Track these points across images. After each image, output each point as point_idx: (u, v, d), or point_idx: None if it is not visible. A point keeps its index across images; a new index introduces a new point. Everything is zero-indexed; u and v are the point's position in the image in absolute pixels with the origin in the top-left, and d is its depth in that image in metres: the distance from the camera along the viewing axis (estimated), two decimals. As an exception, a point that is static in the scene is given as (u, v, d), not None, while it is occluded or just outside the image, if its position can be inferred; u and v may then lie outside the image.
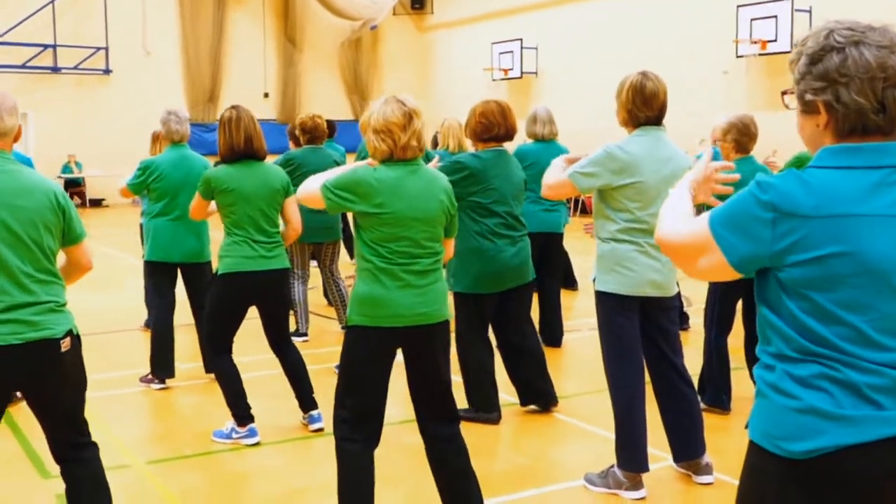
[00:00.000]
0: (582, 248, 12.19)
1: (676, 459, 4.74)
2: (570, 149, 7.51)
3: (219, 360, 5.33)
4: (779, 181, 1.95)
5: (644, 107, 4.34)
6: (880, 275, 1.89)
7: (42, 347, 3.33)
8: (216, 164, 5.42)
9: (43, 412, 3.51)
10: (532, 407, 5.96)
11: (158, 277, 6.56)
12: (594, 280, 4.49)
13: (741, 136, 5.75)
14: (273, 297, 5.37)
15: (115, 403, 6.29)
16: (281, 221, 5.43)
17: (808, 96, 1.97)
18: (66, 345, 3.40)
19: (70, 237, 3.51)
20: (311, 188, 3.83)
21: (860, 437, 1.87)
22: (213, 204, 5.38)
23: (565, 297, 8.46)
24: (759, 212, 1.94)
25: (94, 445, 3.65)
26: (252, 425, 5.34)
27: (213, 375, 6.56)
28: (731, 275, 2.05)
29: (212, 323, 5.37)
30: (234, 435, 5.34)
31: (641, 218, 4.32)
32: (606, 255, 4.41)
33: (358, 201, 3.67)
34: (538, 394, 5.90)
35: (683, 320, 8.18)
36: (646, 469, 4.50)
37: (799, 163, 6.31)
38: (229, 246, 5.20)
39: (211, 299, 5.34)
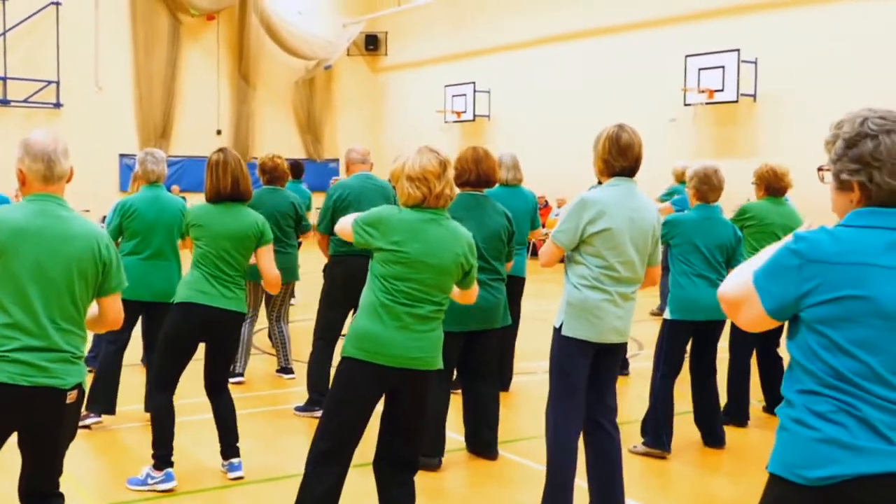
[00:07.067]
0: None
1: None
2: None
3: (160, 397, 5.21)
4: (810, 234, 2.25)
5: (619, 157, 4.47)
6: (892, 319, 2.15)
7: (48, 394, 3.32)
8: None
9: (33, 457, 3.47)
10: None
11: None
12: (560, 325, 4.49)
13: (701, 185, 5.86)
14: (223, 336, 5.29)
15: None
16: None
17: (844, 176, 2.27)
18: (71, 397, 3.39)
19: (105, 287, 3.53)
20: (346, 223, 4.04)
21: (869, 467, 2.11)
22: None
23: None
24: (790, 260, 2.24)
25: (62, 497, 3.60)
26: (169, 470, 5.18)
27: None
28: (769, 323, 2.32)
29: (162, 354, 5.27)
30: (149, 481, 5.17)
31: (614, 265, 4.39)
32: (577, 303, 4.44)
33: (378, 237, 3.84)
34: (482, 445, 5.86)
35: (624, 365, 8.12)
36: None
37: (743, 213, 6.40)
38: (190, 278, 5.20)
39: (165, 329, 5.26)
